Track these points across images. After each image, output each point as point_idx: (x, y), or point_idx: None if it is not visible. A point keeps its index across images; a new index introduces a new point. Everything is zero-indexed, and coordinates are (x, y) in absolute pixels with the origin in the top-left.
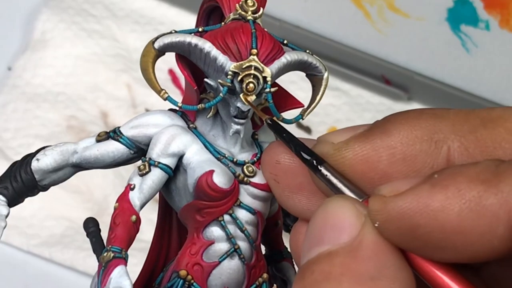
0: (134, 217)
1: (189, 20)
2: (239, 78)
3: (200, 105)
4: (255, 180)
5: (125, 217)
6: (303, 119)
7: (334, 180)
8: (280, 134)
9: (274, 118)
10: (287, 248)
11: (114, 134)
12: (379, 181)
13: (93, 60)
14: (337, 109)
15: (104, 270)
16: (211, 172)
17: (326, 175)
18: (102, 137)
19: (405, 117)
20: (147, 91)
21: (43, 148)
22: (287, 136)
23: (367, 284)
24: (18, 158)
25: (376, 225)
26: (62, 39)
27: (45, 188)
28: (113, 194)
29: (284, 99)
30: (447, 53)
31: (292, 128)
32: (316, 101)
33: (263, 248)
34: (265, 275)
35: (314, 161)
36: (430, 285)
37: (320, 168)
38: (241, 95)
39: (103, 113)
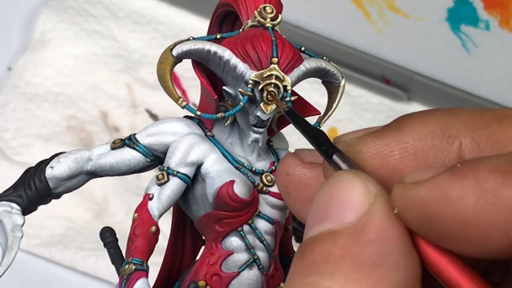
0: (153, 228)
1: (189, 20)
2: (260, 87)
3: (219, 114)
4: (273, 189)
5: (145, 228)
6: (320, 126)
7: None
8: (296, 122)
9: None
10: None
11: (129, 141)
12: (390, 178)
13: (93, 60)
14: (337, 109)
15: (126, 282)
16: (232, 182)
17: (339, 164)
18: (117, 144)
19: (420, 114)
20: (147, 91)
21: (57, 155)
22: (304, 125)
23: (367, 271)
24: (18, 158)
25: (395, 211)
26: (62, 39)
27: (58, 195)
28: (113, 194)
29: (301, 107)
30: (447, 53)
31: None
32: (333, 108)
33: None
34: (282, 285)
35: (329, 150)
36: (436, 275)
37: (334, 156)
38: (261, 105)
39: (103, 113)
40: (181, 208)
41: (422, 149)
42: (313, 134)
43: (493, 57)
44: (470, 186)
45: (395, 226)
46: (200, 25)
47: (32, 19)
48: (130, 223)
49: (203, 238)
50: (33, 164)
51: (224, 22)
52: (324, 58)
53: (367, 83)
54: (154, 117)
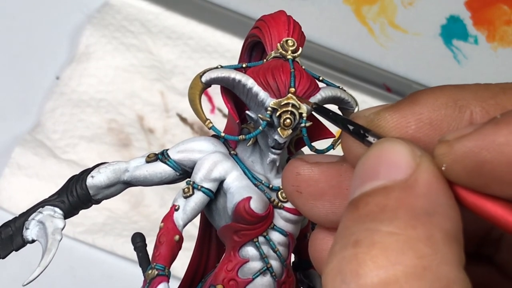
0: (177, 237)
1: (215, 35)
2: (278, 113)
3: (241, 136)
4: (288, 205)
5: (169, 237)
6: (334, 149)
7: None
8: (326, 114)
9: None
10: None
11: (162, 156)
12: None
13: (130, 71)
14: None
15: (149, 286)
16: (249, 198)
17: (374, 139)
18: (151, 158)
19: (431, 89)
20: (178, 98)
21: (98, 165)
22: (333, 115)
23: (423, 219)
24: (65, 156)
25: (443, 168)
26: (104, 52)
27: (98, 201)
28: (148, 188)
29: (318, 130)
30: (441, 64)
31: None
32: None
33: (292, 256)
34: None
35: (361, 130)
36: (484, 217)
37: (367, 135)
38: (278, 129)
39: (139, 116)
40: None
41: (436, 118)
42: (342, 120)
43: (481, 68)
44: None
45: (441, 183)
46: (224, 40)
47: (77, 34)
48: (163, 214)
49: None
50: (78, 161)
51: (254, 49)
52: (340, 87)
53: (370, 91)
54: (184, 120)
